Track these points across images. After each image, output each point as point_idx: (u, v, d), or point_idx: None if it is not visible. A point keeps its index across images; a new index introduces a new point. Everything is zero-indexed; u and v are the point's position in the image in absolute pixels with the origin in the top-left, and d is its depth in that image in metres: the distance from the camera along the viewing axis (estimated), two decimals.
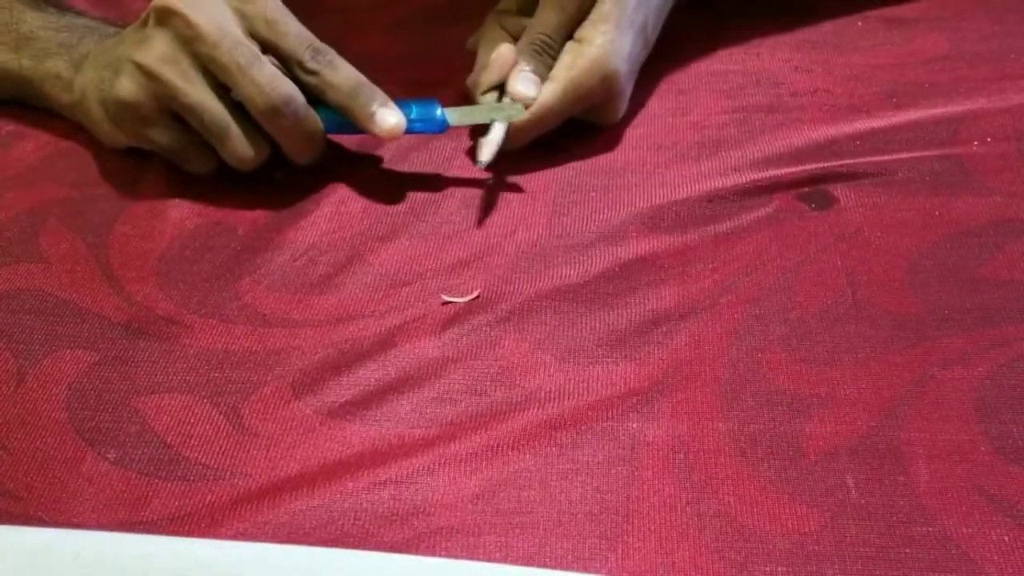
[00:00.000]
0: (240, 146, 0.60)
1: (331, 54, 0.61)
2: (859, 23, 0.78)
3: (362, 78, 0.62)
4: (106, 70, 0.62)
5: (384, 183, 0.64)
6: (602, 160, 0.65)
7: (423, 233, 0.60)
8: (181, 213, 0.62)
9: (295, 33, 0.61)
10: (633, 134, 0.67)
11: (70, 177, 0.65)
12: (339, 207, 0.62)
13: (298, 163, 0.63)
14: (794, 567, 0.42)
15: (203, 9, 0.59)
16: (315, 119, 0.61)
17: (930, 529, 0.43)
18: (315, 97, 0.62)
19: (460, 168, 0.65)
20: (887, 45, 0.75)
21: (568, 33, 0.65)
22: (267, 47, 0.61)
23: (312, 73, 0.61)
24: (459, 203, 0.62)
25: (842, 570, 0.42)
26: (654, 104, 0.70)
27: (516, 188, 0.63)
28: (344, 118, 0.62)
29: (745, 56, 0.75)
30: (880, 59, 0.73)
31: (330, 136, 0.64)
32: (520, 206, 0.62)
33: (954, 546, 0.43)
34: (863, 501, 0.45)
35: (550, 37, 0.64)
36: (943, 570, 0.42)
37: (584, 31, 0.64)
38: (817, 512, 0.44)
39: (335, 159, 0.66)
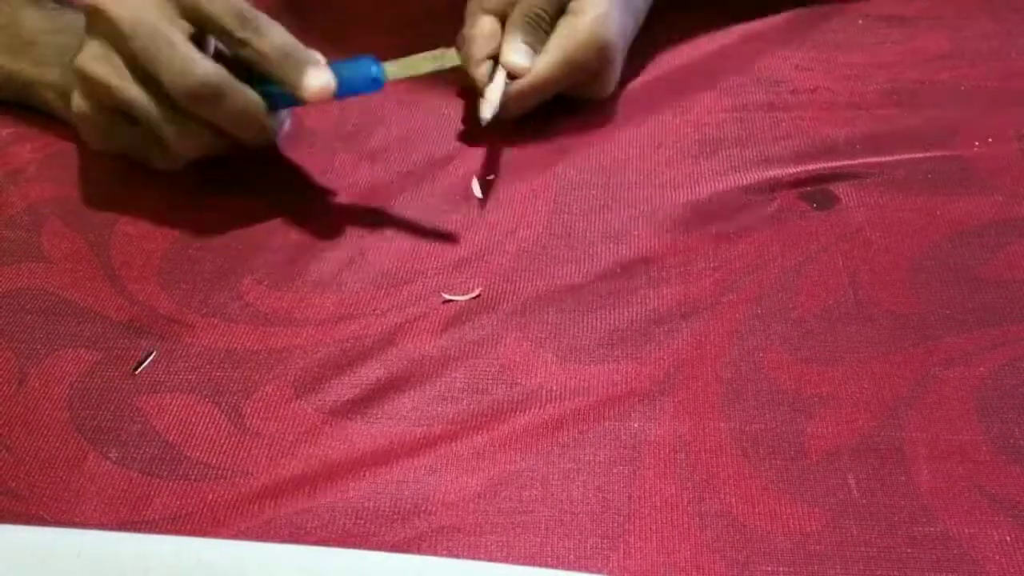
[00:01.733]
0: (175, 136, 0.58)
1: (258, 20, 0.58)
2: (860, 21, 0.78)
3: (290, 41, 0.58)
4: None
5: (383, 183, 0.64)
6: (603, 159, 0.65)
7: (424, 232, 0.60)
8: (183, 213, 0.62)
9: (221, 4, 0.57)
10: (634, 132, 0.67)
11: (71, 177, 0.65)
12: (340, 207, 0.62)
13: (248, 145, 0.61)
14: (796, 567, 0.42)
15: (128, 2, 0.57)
16: (245, 96, 0.57)
17: (932, 529, 0.43)
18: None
19: (461, 167, 0.65)
20: (888, 43, 0.75)
21: (559, 6, 0.66)
22: (200, 26, 0.58)
23: (242, 44, 0.57)
24: (460, 202, 0.62)
25: (844, 570, 0.42)
26: (655, 102, 0.70)
27: (517, 187, 0.63)
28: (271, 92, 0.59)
29: (745, 54, 0.75)
30: (881, 57, 0.73)
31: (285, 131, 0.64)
32: (521, 205, 0.62)
33: (956, 546, 0.43)
34: (865, 501, 0.45)
35: (543, 10, 0.65)
36: (945, 570, 0.42)
37: (577, 3, 0.65)
38: (819, 512, 0.44)
39: (334, 161, 0.66)
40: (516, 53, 0.64)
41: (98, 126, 0.60)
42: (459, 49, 0.63)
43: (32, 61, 0.67)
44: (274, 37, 0.58)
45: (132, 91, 0.57)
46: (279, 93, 0.59)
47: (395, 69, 0.60)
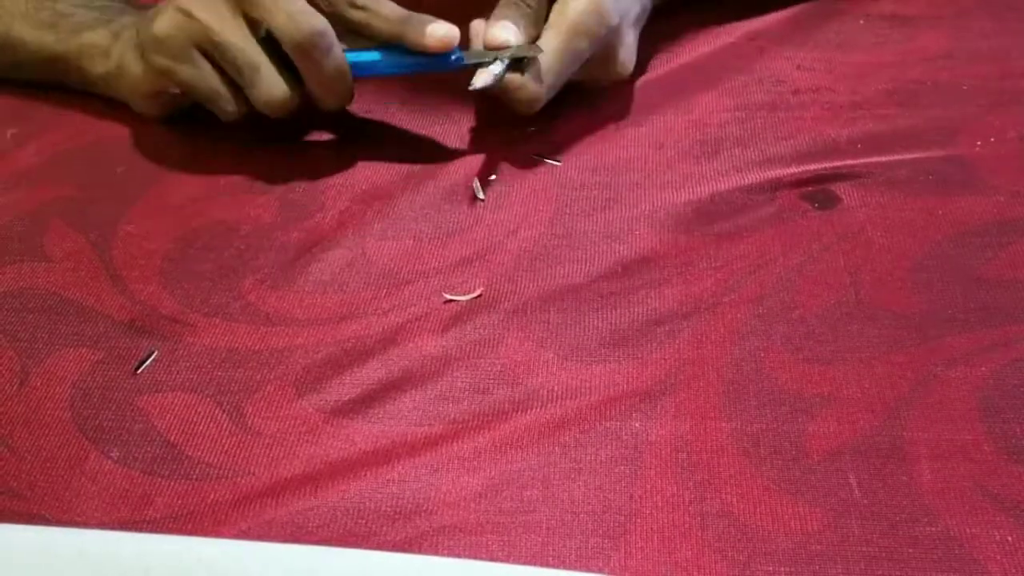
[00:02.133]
0: (269, 85, 0.61)
1: None
2: (861, 21, 0.78)
3: (407, 10, 0.62)
4: (140, 29, 0.64)
5: (386, 183, 0.64)
6: (604, 159, 0.65)
7: (426, 232, 0.60)
8: (184, 213, 0.62)
9: None
10: (635, 132, 0.67)
11: (74, 177, 0.65)
12: (342, 207, 0.62)
13: (325, 107, 0.64)
14: (797, 567, 0.42)
15: None
16: (343, 59, 0.62)
17: (933, 529, 0.43)
18: (349, 42, 0.63)
19: (463, 167, 0.65)
20: (889, 43, 0.75)
21: None
22: None
23: (360, 8, 0.62)
24: (462, 202, 0.62)
25: (845, 570, 0.42)
26: (656, 102, 0.70)
27: (519, 187, 0.63)
28: (375, 57, 0.63)
29: (747, 54, 0.75)
30: (882, 57, 0.73)
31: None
32: (523, 205, 0.62)
33: (957, 546, 0.43)
34: (866, 501, 0.45)
35: None
36: (946, 570, 0.42)
37: None
38: (820, 512, 0.44)
39: (337, 160, 0.66)
40: (498, 28, 0.63)
41: (174, 57, 0.62)
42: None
43: (70, 29, 0.69)
44: (392, 3, 0.62)
45: (234, 35, 0.61)
46: (356, 63, 0.63)
47: (471, 55, 0.64)
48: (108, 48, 0.67)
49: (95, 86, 0.70)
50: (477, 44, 0.65)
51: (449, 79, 0.72)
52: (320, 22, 0.60)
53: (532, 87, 0.63)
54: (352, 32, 0.63)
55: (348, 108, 0.68)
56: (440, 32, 0.62)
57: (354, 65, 0.63)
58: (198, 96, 0.64)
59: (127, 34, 0.67)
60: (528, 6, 0.65)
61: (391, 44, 0.63)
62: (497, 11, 0.65)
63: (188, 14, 0.61)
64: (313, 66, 0.61)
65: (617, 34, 0.66)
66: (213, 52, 0.61)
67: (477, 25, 0.66)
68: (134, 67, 0.65)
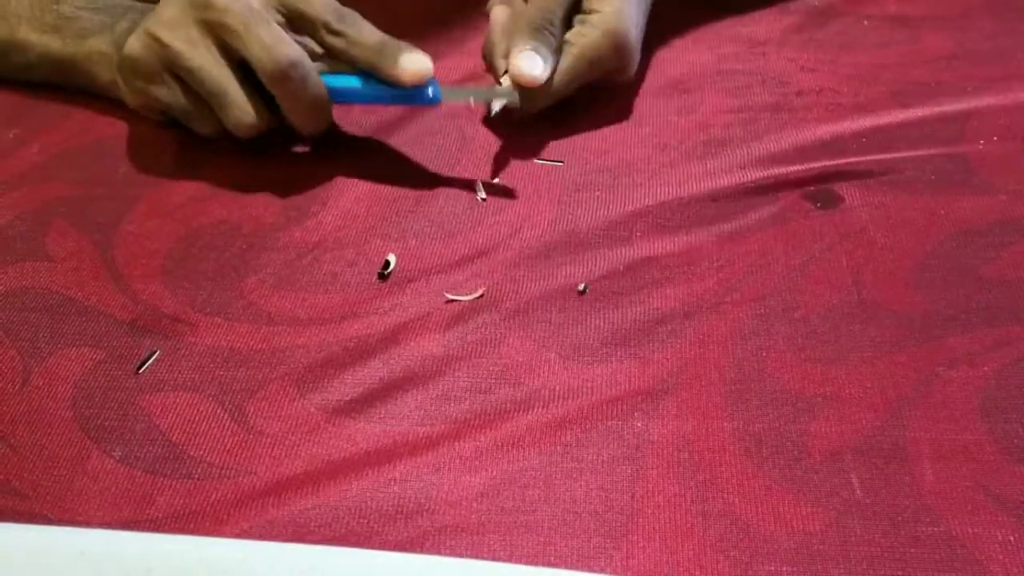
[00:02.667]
0: (238, 111, 0.61)
1: (355, 16, 0.62)
2: (864, 22, 0.78)
3: (386, 36, 0.62)
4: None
5: (388, 183, 0.64)
6: (607, 159, 0.65)
7: (427, 232, 0.60)
8: (186, 212, 0.62)
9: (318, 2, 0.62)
10: (638, 133, 0.67)
11: (76, 177, 0.65)
12: (343, 207, 0.62)
13: (303, 133, 0.64)
14: (799, 566, 0.42)
15: None
16: (321, 86, 0.62)
17: (935, 529, 0.43)
18: (329, 65, 0.63)
19: (465, 168, 0.65)
20: (893, 44, 0.75)
21: (569, 9, 0.67)
22: (292, 14, 0.62)
23: (337, 34, 0.61)
24: (463, 202, 0.62)
25: (847, 570, 0.42)
26: (659, 103, 0.70)
27: (521, 187, 0.63)
28: (355, 85, 0.62)
29: (750, 55, 0.75)
30: (886, 58, 0.73)
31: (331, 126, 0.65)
32: (525, 205, 0.62)
33: (959, 546, 0.43)
34: (868, 501, 0.45)
35: (552, 13, 0.65)
36: (948, 570, 0.42)
37: (591, 2, 0.66)
38: (822, 511, 0.44)
39: (339, 160, 0.66)
40: (524, 60, 0.63)
41: (146, 79, 0.62)
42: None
43: (74, 34, 0.69)
44: (370, 30, 0.62)
45: (202, 60, 0.61)
46: (335, 89, 0.62)
47: (449, 94, 0.64)
48: (111, 58, 0.67)
49: (105, 91, 0.70)
50: (497, 40, 0.66)
51: (450, 81, 0.72)
52: (295, 52, 0.60)
53: (528, 101, 0.65)
54: (331, 57, 0.63)
55: (350, 108, 0.68)
56: (414, 66, 0.61)
57: (332, 91, 0.62)
58: (174, 114, 0.64)
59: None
60: (552, 34, 0.65)
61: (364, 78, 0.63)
62: (523, 38, 0.64)
63: (156, 39, 0.61)
64: (289, 95, 0.61)
65: (632, 53, 0.68)
66: (183, 75, 0.61)
67: (499, 14, 0.67)
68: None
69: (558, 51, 0.65)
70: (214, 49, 0.61)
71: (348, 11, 0.62)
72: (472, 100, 0.65)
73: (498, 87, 0.65)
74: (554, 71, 0.65)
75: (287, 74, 0.60)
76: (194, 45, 0.60)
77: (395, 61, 0.61)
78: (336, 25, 0.61)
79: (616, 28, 0.65)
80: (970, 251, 0.57)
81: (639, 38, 0.69)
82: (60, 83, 0.72)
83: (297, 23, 0.62)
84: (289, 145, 0.67)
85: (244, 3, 0.60)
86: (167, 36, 0.60)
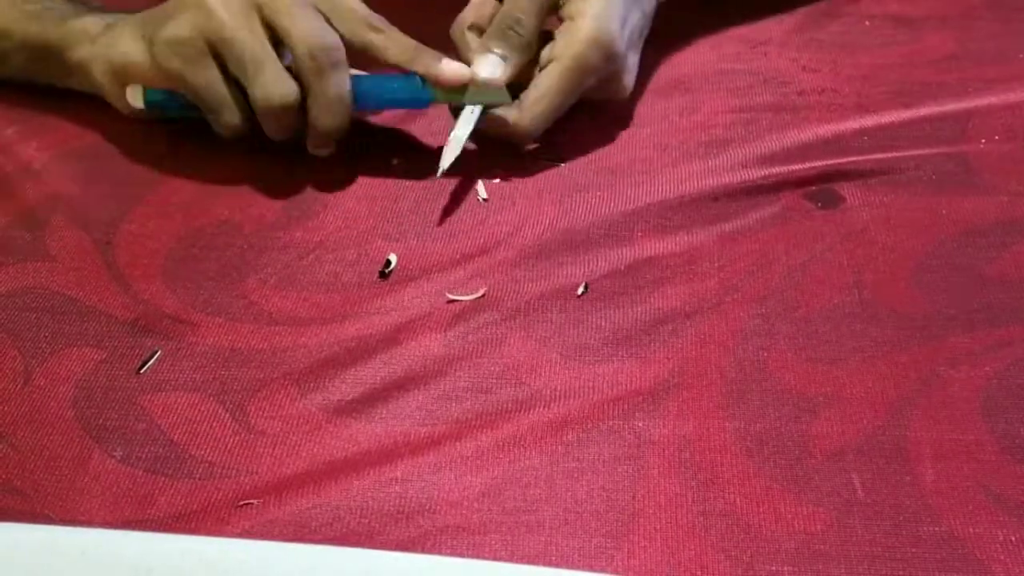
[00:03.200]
0: (273, 81, 0.61)
1: (385, 22, 0.64)
2: (866, 22, 0.78)
3: (415, 41, 0.63)
4: (150, 24, 0.63)
5: (390, 183, 0.64)
6: (608, 160, 0.65)
7: (429, 232, 0.60)
8: (188, 212, 0.62)
9: (358, 3, 0.64)
10: (639, 134, 0.67)
11: (76, 176, 0.65)
12: (345, 207, 0.62)
13: (321, 128, 0.63)
14: (800, 566, 0.42)
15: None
16: (347, 83, 0.62)
17: (936, 529, 0.43)
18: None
19: (466, 168, 0.65)
20: (894, 44, 0.75)
21: (543, 13, 0.65)
22: (332, 8, 0.63)
23: (378, 31, 0.63)
24: (465, 202, 0.62)
25: (848, 570, 0.42)
26: (660, 104, 0.70)
27: (522, 187, 0.63)
28: (376, 91, 0.64)
29: (752, 55, 0.75)
30: (888, 58, 0.73)
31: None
32: (526, 205, 0.62)
33: (960, 546, 0.43)
34: (869, 500, 0.45)
35: (522, 15, 0.64)
36: (949, 570, 0.42)
37: (571, 8, 0.64)
38: (823, 511, 0.44)
39: (340, 160, 0.66)
40: (485, 65, 0.64)
41: (186, 58, 0.62)
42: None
43: (56, 20, 0.69)
44: (403, 37, 0.64)
45: (244, 31, 0.61)
46: (362, 92, 0.63)
47: (441, 94, 0.64)
48: (95, 35, 0.67)
49: (71, 75, 0.69)
50: (462, 47, 0.66)
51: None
52: (333, 38, 0.61)
53: (522, 127, 0.64)
54: (358, 55, 0.63)
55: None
56: (450, 70, 0.63)
57: (361, 97, 0.63)
58: (204, 103, 0.63)
59: (121, 25, 0.66)
60: (519, 34, 0.64)
61: (361, 76, 0.64)
62: (486, 39, 0.64)
63: (208, 11, 0.61)
64: (319, 80, 0.61)
65: (621, 60, 0.65)
66: (223, 50, 0.61)
67: (461, 22, 0.67)
68: (135, 56, 0.64)
69: (528, 50, 0.64)
70: (259, 26, 0.61)
71: (381, 19, 0.64)
72: (466, 103, 0.64)
73: (491, 87, 0.64)
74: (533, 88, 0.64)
75: (327, 55, 0.61)
76: (238, 18, 0.61)
77: (435, 65, 0.63)
78: (376, 23, 0.63)
79: (600, 32, 0.63)
80: (971, 251, 0.57)
81: (634, 42, 0.67)
82: (33, 73, 0.71)
83: (335, 17, 0.63)
84: (290, 145, 0.67)
85: (244, 37, 0.60)
86: (218, 8, 0.61)
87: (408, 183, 0.64)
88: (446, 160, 0.62)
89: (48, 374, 0.52)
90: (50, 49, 0.69)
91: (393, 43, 0.63)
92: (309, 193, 0.64)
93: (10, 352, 0.53)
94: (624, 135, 0.67)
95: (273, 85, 0.61)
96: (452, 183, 0.64)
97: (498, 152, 0.66)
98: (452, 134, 0.63)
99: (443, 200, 0.63)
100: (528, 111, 0.63)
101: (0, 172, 0.66)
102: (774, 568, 0.42)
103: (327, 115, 0.62)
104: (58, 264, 0.59)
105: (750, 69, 0.73)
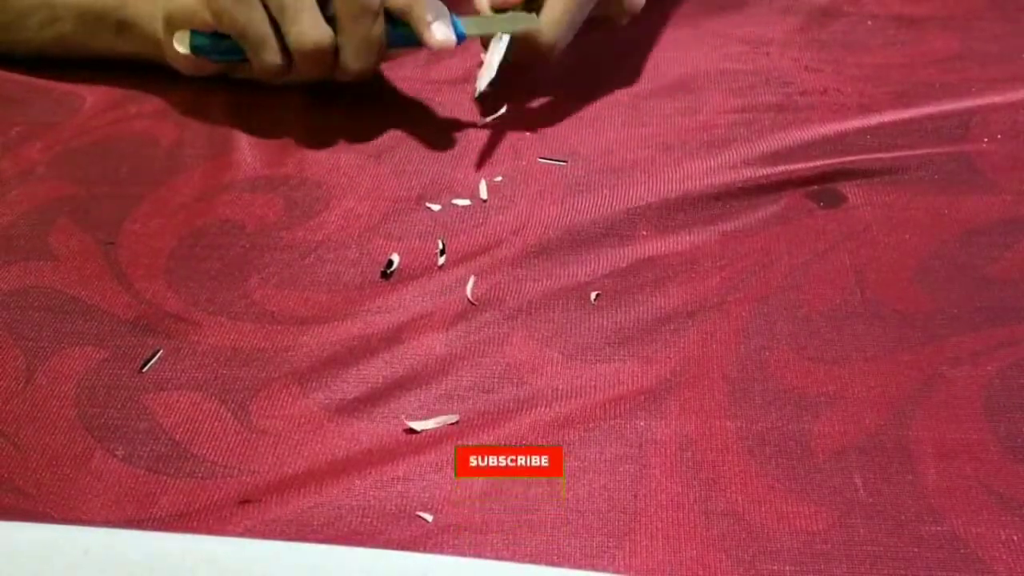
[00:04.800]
0: (307, 27, 0.63)
1: None
2: (869, 22, 0.78)
3: None
4: None
5: (392, 182, 0.64)
6: (610, 159, 0.65)
7: (431, 231, 0.60)
8: (190, 211, 0.62)
9: None
10: (641, 133, 0.67)
11: (79, 175, 0.66)
12: (346, 206, 0.62)
13: (349, 70, 0.66)
14: (802, 566, 0.42)
15: None
16: (379, 27, 0.65)
17: (939, 528, 0.43)
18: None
19: (468, 167, 0.65)
20: (897, 45, 0.75)
21: None
22: None
23: None
24: (468, 201, 0.62)
25: (850, 569, 0.42)
26: (663, 103, 0.70)
27: (524, 187, 0.63)
28: (409, 31, 0.65)
29: (754, 55, 0.75)
30: (890, 59, 0.73)
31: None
32: (528, 204, 0.62)
33: (963, 545, 0.43)
34: (871, 500, 0.45)
35: None
36: (951, 569, 0.42)
37: None
38: (825, 511, 0.44)
39: (341, 160, 0.66)
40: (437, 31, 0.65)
41: (230, 14, 0.64)
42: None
43: None
44: None
45: (247, 16, 0.64)
46: (398, 34, 0.66)
47: (473, 27, 0.66)
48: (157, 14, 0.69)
49: (122, 31, 0.71)
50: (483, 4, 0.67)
51: (453, 81, 0.72)
52: (323, 35, 0.64)
53: (544, 37, 0.66)
54: None
55: (352, 105, 0.68)
56: (438, 36, 0.65)
57: (393, 37, 0.65)
58: (247, 41, 0.65)
59: None
60: None
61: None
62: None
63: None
64: (352, 25, 0.64)
65: None
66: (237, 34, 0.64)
67: None
68: (187, 1, 0.67)
69: None
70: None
71: None
72: (499, 33, 0.66)
73: (519, 13, 0.66)
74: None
75: (313, 53, 0.64)
76: (250, 7, 0.63)
77: (427, 23, 0.64)
78: None
79: None
80: (974, 250, 0.57)
81: None
82: (81, 37, 0.73)
83: None
84: (292, 145, 0.67)
85: None
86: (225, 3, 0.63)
87: (410, 183, 0.64)
88: (482, 82, 0.65)
89: (50, 373, 0.52)
90: (103, 12, 0.71)
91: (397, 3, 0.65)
92: (311, 192, 0.64)
93: (12, 351, 0.53)
94: (626, 134, 0.67)
95: (309, 30, 0.64)
96: (453, 183, 0.64)
97: (500, 152, 0.66)
98: (485, 60, 0.65)
99: (445, 200, 0.63)
100: (546, 19, 0.66)
101: (2, 171, 0.66)
102: (776, 567, 0.42)
103: (356, 59, 0.65)
104: (61, 263, 0.59)
105: (752, 69, 0.73)
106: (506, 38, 0.66)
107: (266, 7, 0.64)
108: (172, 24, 0.68)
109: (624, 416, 0.49)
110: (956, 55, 0.73)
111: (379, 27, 0.65)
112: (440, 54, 0.74)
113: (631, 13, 0.70)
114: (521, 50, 0.66)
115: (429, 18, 0.64)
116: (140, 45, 0.71)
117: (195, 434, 0.49)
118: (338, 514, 0.45)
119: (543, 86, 0.72)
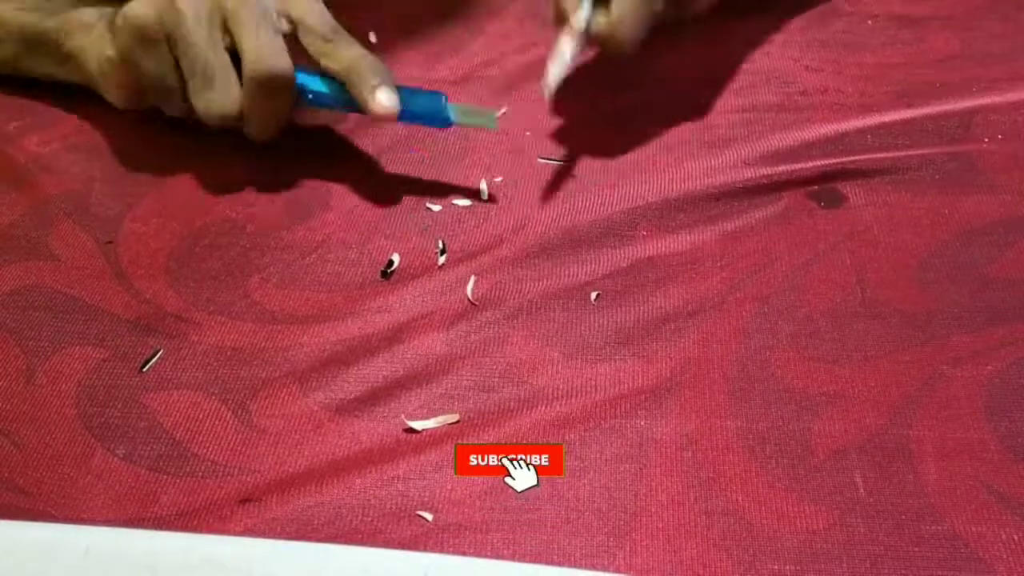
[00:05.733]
0: (215, 97, 0.61)
1: (343, 33, 0.63)
2: (869, 22, 0.78)
3: (369, 60, 0.62)
4: None
5: (392, 182, 0.64)
6: (611, 160, 0.65)
7: (431, 231, 0.60)
8: (190, 211, 0.62)
9: (320, 12, 0.63)
10: (643, 133, 0.67)
11: (78, 173, 0.65)
12: (347, 206, 0.62)
13: (254, 135, 0.63)
14: (802, 565, 0.42)
15: None
16: (289, 106, 0.62)
17: (939, 528, 0.43)
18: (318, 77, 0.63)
19: (468, 166, 0.65)
20: (898, 44, 0.75)
21: None
22: (295, 22, 0.63)
23: (328, 41, 0.62)
24: (468, 201, 0.62)
25: (850, 569, 0.42)
26: (664, 103, 0.70)
27: (524, 186, 0.63)
28: (335, 93, 0.63)
29: (755, 55, 0.75)
30: (891, 58, 0.73)
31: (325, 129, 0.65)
32: (528, 204, 0.62)
33: (963, 545, 0.43)
34: (872, 499, 0.45)
35: None
36: (952, 569, 0.42)
37: None
38: (825, 510, 0.44)
39: (343, 159, 0.66)
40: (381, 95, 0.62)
41: (142, 43, 0.61)
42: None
43: (53, 12, 0.68)
44: (358, 48, 0.62)
45: (202, 37, 0.61)
46: (331, 96, 0.63)
47: (461, 114, 0.63)
48: (91, 24, 0.67)
49: (64, 63, 0.69)
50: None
51: (454, 81, 0.72)
52: (285, 64, 0.61)
53: (621, 32, 0.62)
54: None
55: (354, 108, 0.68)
56: (382, 104, 0.61)
57: (316, 94, 0.63)
58: (152, 88, 0.63)
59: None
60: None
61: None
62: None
63: (172, 3, 0.60)
64: (257, 101, 0.61)
65: None
66: (176, 46, 0.61)
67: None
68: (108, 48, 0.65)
69: None
70: (218, 33, 0.61)
71: (341, 29, 0.63)
72: (486, 122, 0.63)
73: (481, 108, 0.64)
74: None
75: (271, 82, 0.60)
76: (200, 19, 0.61)
77: (370, 88, 0.61)
78: (329, 35, 0.62)
79: None
80: (974, 250, 0.57)
81: None
82: (26, 66, 0.71)
83: (299, 31, 0.63)
84: (292, 145, 0.67)
85: (261, 3, 0.61)
86: (183, 4, 0.60)
87: (410, 183, 0.64)
88: (553, 77, 0.61)
89: (51, 373, 0.52)
90: (46, 38, 0.69)
91: (336, 58, 0.62)
92: (311, 192, 0.64)
93: (13, 351, 0.53)
94: (627, 135, 0.67)
95: (219, 98, 0.61)
96: (455, 182, 0.64)
97: (500, 152, 0.66)
98: (556, 51, 0.62)
99: (445, 199, 0.63)
100: (616, 12, 0.62)
101: (1, 170, 0.66)
102: (776, 567, 0.42)
103: (257, 130, 0.63)
104: (61, 263, 0.59)
105: (753, 68, 0.73)
106: (579, 33, 0.62)
107: (176, 60, 0.61)
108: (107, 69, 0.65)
109: (625, 415, 0.49)
110: (957, 55, 0.73)
111: (289, 98, 0.62)
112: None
113: (704, 9, 0.69)
114: (594, 45, 0.64)
115: (375, 82, 0.61)
116: (85, 78, 0.69)
117: (195, 433, 0.49)
118: (338, 513, 0.45)
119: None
